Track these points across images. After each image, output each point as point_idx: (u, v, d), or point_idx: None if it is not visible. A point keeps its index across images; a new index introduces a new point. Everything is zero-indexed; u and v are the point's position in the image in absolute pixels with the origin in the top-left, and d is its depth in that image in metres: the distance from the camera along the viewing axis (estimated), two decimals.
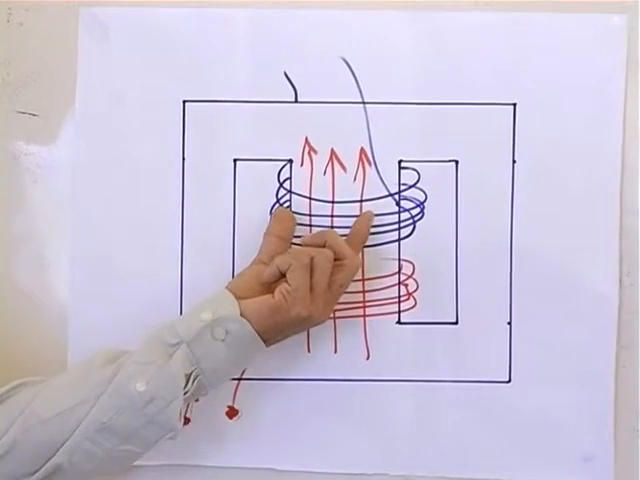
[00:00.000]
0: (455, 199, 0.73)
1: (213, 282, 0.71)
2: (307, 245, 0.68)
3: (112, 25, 0.72)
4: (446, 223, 0.73)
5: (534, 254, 0.72)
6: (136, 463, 0.72)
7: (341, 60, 0.72)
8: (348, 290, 0.72)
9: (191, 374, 0.63)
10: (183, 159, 0.72)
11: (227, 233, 0.72)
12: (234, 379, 0.72)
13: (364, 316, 0.73)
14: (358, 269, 0.69)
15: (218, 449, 0.73)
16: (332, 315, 0.72)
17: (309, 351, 0.73)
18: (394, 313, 0.73)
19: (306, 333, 0.72)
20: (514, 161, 0.72)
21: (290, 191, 0.73)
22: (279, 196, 0.73)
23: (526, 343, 0.72)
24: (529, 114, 0.72)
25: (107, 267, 0.72)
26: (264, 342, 0.64)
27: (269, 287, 0.66)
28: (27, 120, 0.73)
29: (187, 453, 0.73)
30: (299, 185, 0.72)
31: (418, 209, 0.73)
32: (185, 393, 0.62)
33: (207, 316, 0.63)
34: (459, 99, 0.72)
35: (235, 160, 0.73)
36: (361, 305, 0.73)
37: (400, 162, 0.73)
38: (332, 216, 0.73)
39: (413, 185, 0.73)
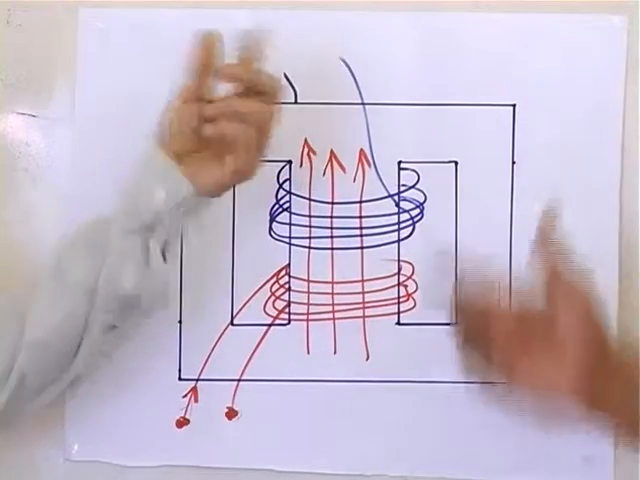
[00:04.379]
0: (455, 200, 0.73)
1: (212, 282, 0.71)
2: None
3: (111, 26, 0.72)
4: (446, 224, 0.73)
5: None
6: (136, 464, 0.73)
7: (341, 61, 0.72)
8: (348, 291, 0.72)
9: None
10: None
11: (227, 235, 0.72)
12: (233, 380, 0.73)
13: (364, 317, 0.73)
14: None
15: (218, 450, 0.73)
16: (332, 316, 0.73)
17: (308, 352, 0.73)
18: (394, 314, 0.73)
19: (305, 334, 0.73)
20: (514, 162, 0.72)
21: (290, 192, 0.73)
22: (278, 197, 0.73)
23: None
24: (529, 115, 0.72)
25: None
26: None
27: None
28: (26, 121, 0.73)
29: (187, 454, 0.73)
30: (298, 186, 0.72)
31: (418, 210, 0.73)
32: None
33: (161, 196, 0.60)
34: (458, 100, 0.72)
35: None
36: (361, 306, 0.73)
37: (400, 163, 0.73)
38: (332, 217, 0.73)
39: (412, 186, 0.73)
